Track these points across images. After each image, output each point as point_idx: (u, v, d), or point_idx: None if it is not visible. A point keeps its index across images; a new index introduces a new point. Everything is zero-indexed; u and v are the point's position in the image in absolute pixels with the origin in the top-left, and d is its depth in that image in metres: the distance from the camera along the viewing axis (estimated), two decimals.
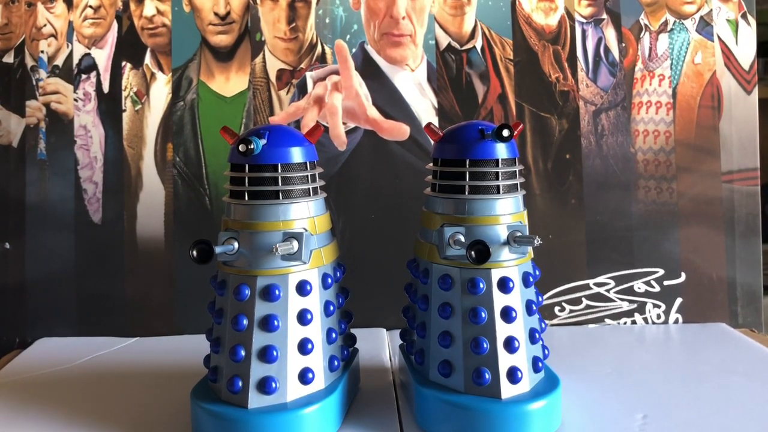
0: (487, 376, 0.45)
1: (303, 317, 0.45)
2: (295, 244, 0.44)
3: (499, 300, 0.45)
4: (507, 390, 0.45)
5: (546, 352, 0.49)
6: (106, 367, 0.61)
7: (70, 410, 0.52)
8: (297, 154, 0.45)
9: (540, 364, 0.47)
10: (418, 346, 0.49)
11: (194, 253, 0.41)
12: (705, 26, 0.72)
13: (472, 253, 0.43)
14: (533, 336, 0.47)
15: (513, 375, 0.45)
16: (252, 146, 0.43)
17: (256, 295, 0.44)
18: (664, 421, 0.48)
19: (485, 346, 0.45)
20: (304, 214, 0.46)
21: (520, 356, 0.45)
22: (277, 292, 0.44)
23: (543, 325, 0.49)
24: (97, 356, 0.64)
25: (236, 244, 0.44)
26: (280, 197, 0.45)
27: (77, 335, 0.69)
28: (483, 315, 0.45)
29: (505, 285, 0.45)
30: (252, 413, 0.43)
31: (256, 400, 0.44)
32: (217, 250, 0.43)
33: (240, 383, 0.44)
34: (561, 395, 0.47)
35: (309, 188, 0.46)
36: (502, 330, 0.45)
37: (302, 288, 0.45)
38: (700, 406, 0.50)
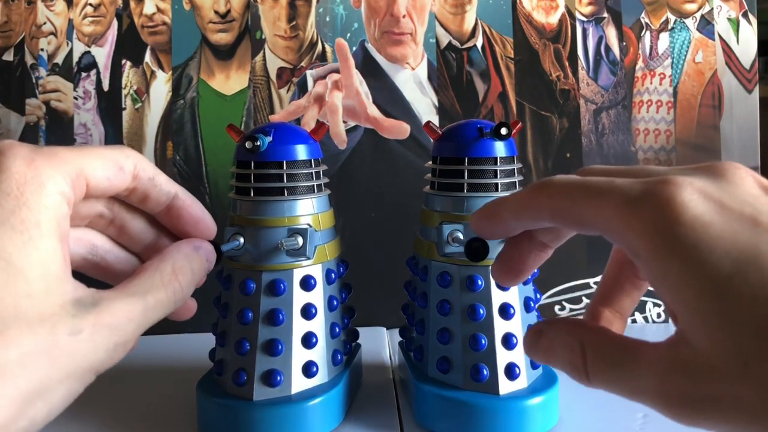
0: (485, 373, 0.46)
1: (307, 312, 0.46)
2: (300, 239, 0.45)
3: (498, 297, 0.46)
4: (505, 386, 0.46)
5: None
6: None
7: (70, 406, 0.53)
8: (302, 152, 0.47)
9: None
10: (417, 343, 0.50)
11: None
12: (706, 25, 0.73)
13: (471, 250, 0.43)
14: None
15: (511, 371, 0.46)
16: (258, 143, 0.44)
17: (262, 290, 0.46)
18: (665, 421, 0.48)
19: (483, 342, 0.46)
20: (309, 210, 0.47)
21: (518, 353, 0.47)
22: (282, 287, 0.46)
23: None
24: None
25: (242, 240, 0.46)
26: (285, 194, 0.46)
27: None
28: (481, 312, 0.46)
29: None
30: (257, 405, 0.45)
31: (260, 393, 0.45)
32: (224, 248, 0.43)
33: (245, 376, 0.46)
34: (559, 391, 0.48)
35: (313, 185, 0.48)
36: (500, 327, 0.46)
37: (306, 283, 0.46)
38: None
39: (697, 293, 0.24)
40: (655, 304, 0.72)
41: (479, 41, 0.73)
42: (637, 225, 0.25)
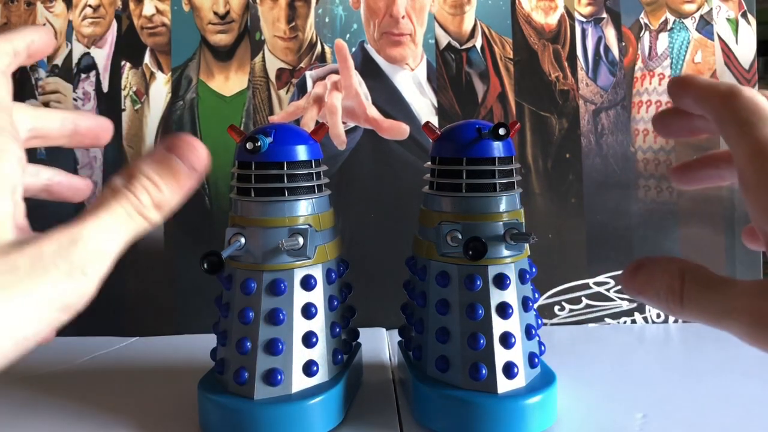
0: (483, 371, 0.47)
1: (308, 311, 0.47)
2: (300, 239, 0.46)
3: (496, 296, 0.47)
4: (503, 385, 0.47)
5: (542, 348, 0.51)
6: (108, 366, 0.63)
7: (72, 408, 0.54)
8: (302, 152, 0.48)
9: (536, 360, 0.49)
10: (416, 342, 0.51)
11: (205, 265, 0.43)
12: (705, 25, 0.74)
13: (469, 249, 0.44)
14: (529, 332, 0.49)
15: (509, 370, 0.47)
16: (259, 144, 0.45)
17: (263, 290, 0.47)
18: (664, 421, 0.50)
19: (482, 341, 0.47)
20: (309, 210, 0.48)
21: (516, 352, 0.48)
22: (282, 287, 0.47)
23: (539, 322, 0.51)
24: (98, 355, 0.66)
25: (243, 240, 0.47)
26: (286, 194, 0.47)
27: (77, 335, 0.70)
28: (480, 311, 0.47)
29: (501, 281, 0.47)
30: (258, 404, 0.46)
31: (261, 392, 0.47)
32: (225, 253, 0.45)
33: (246, 375, 0.47)
34: (557, 390, 0.49)
35: (314, 185, 0.48)
36: (499, 326, 0.47)
37: (307, 283, 0.47)
38: (699, 405, 0.52)
39: None
40: None
41: (478, 42, 0.74)
42: (760, 152, 0.29)
